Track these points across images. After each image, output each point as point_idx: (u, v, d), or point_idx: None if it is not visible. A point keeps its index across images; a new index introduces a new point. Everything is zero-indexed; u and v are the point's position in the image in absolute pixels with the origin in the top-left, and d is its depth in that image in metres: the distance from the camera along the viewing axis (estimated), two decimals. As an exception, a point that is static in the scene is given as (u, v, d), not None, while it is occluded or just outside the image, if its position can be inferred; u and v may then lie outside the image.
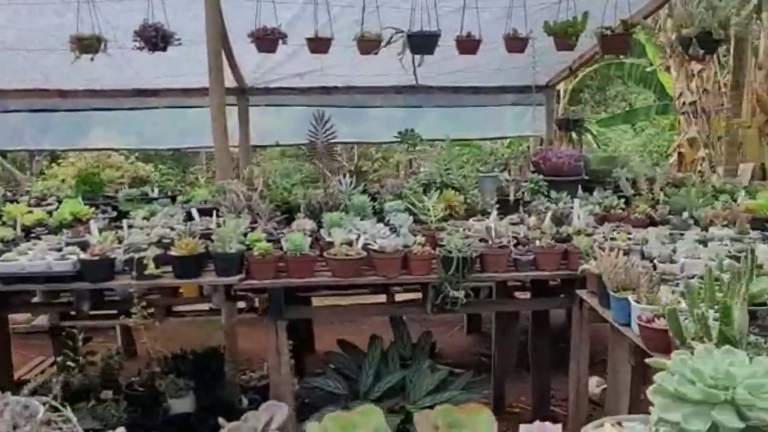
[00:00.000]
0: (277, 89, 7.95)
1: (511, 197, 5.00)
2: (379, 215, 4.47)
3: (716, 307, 2.57)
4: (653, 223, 4.49)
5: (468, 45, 5.28)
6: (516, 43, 5.38)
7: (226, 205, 4.01)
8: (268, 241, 3.77)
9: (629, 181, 5.01)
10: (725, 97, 8.52)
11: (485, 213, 4.59)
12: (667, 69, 9.44)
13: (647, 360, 1.64)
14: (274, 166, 5.08)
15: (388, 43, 4.46)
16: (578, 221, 4.24)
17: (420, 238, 3.85)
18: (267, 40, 5.08)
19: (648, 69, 10.12)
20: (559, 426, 1.71)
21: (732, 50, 6.59)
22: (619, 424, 1.82)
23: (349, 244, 3.76)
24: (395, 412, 3.95)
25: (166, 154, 12.97)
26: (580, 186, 5.19)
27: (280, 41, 5.13)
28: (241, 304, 5.18)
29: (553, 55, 6.02)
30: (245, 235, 3.74)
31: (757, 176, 8.55)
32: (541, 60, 6.40)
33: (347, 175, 4.61)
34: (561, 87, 13.09)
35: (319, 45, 5.14)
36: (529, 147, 10.10)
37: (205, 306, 5.71)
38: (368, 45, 4.96)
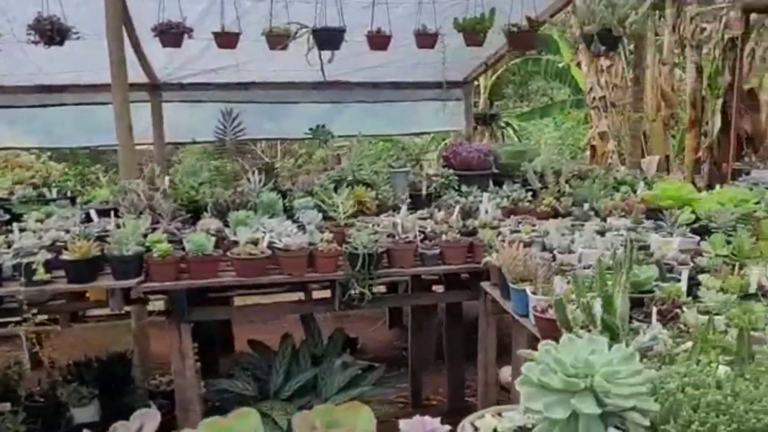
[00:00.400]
0: (192, 85, 7.74)
1: (423, 192, 5.05)
2: (290, 213, 4.43)
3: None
4: (558, 214, 4.61)
5: (378, 41, 5.29)
6: (426, 39, 5.43)
7: (126, 205, 3.86)
8: (171, 242, 3.66)
9: (537, 174, 5.13)
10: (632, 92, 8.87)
11: (396, 209, 4.60)
12: (578, 65, 9.76)
13: (518, 351, 1.67)
14: (188, 164, 4.93)
15: (294, 38, 4.39)
16: (485, 215, 4.31)
17: (327, 235, 3.82)
18: (171, 34, 4.94)
19: (560, 64, 10.43)
20: (438, 419, 1.71)
21: (633, 47, 6.83)
22: (500, 414, 1.85)
23: (255, 243, 3.70)
24: (306, 410, 3.91)
25: (83, 153, 12.46)
26: (491, 180, 5.30)
27: (186, 35, 5.00)
28: (159, 305, 5.03)
29: (471, 51, 6.11)
30: (145, 236, 3.61)
31: (662, 168, 8.98)
32: (458, 56, 6.49)
33: (256, 172, 4.52)
34: (482, 82, 13.36)
35: (226, 40, 5.04)
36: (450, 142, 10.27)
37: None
38: (277, 40, 4.89)
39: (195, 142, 8.86)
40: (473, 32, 5.39)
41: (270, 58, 5.83)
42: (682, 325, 2.57)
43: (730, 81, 7.60)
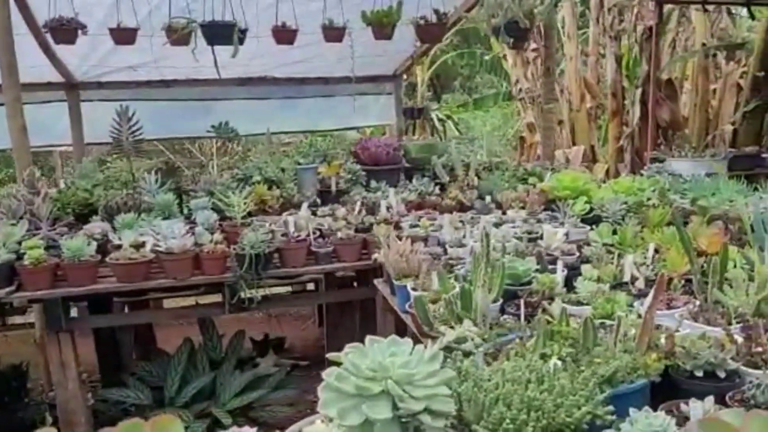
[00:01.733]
0: (111, 83, 7.51)
1: (333, 189, 4.98)
2: (189, 214, 4.30)
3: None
4: (463, 208, 4.60)
5: (284, 35, 5.19)
6: (333, 33, 5.35)
7: (2, 210, 3.68)
8: (50, 248, 3.51)
9: (446, 167, 5.11)
10: (556, 83, 8.96)
11: (299, 206, 4.52)
12: (504, 57, 9.82)
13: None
14: (83, 166, 4.74)
15: (183, 33, 4.26)
16: (385, 211, 4.27)
17: (218, 236, 3.72)
18: (63, 30, 4.74)
19: (486, 57, 10.49)
20: (255, 428, 1.64)
21: (543, 39, 6.89)
22: (331, 420, 1.78)
23: (140, 246, 3.57)
24: (203, 416, 3.81)
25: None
26: (401, 174, 5.26)
27: (80, 31, 4.81)
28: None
29: (402, 44, 6.08)
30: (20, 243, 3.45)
31: (588, 157, 9.11)
32: (389, 49, 6.47)
33: (153, 173, 4.38)
34: (419, 75, 13.34)
35: (122, 36, 4.86)
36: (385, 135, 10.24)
37: (27, 320, 5.34)
38: (176, 34, 4.74)
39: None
40: (381, 25, 5.34)
41: (191, 54, 5.68)
42: (549, 317, 2.57)
43: (647, 71, 7.72)
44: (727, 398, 1.84)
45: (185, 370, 3.95)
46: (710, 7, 8.27)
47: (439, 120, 13.74)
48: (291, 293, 5.70)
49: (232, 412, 3.72)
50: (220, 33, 4.22)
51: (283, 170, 4.85)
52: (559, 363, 1.87)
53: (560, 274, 2.94)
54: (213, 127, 5.13)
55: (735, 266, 2.70)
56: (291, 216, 3.90)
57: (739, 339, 2.11)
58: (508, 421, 1.55)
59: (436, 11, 5.38)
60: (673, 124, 8.16)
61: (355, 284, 4.86)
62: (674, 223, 2.78)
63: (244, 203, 3.99)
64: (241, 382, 3.87)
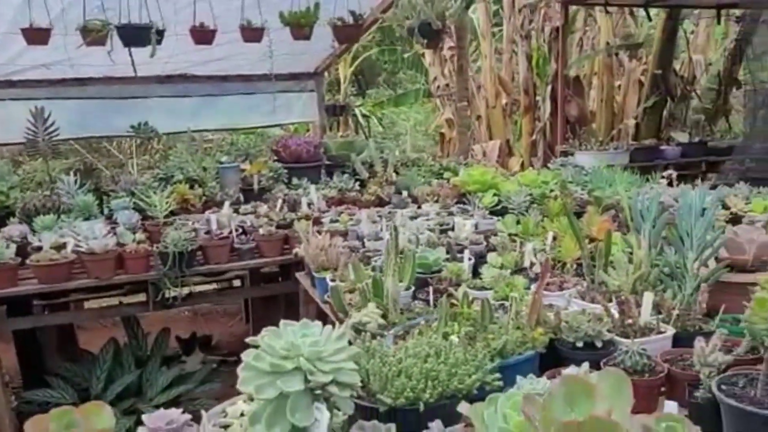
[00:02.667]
0: (23, 82, 7.30)
1: (255, 187, 5.09)
2: (111, 214, 4.33)
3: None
4: (382, 203, 4.81)
5: (202, 35, 5.25)
6: (252, 33, 5.46)
7: None
8: (-33, 251, 3.49)
9: (365, 164, 5.31)
10: (473, 81, 9.34)
11: (222, 204, 4.62)
12: (423, 55, 10.13)
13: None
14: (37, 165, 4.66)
15: (99, 35, 4.28)
16: (306, 207, 4.43)
17: (140, 236, 3.79)
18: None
19: (405, 55, 10.77)
20: (180, 411, 1.79)
21: (455, 39, 7.21)
22: (252, 399, 1.94)
23: (61, 247, 3.60)
24: (130, 413, 3.88)
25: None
26: (323, 171, 5.43)
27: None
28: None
29: (324, 42, 6.20)
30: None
31: (504, 152, 9.53)
32: (311, 47, 6.59)
33: (71, 174, 4.38)
34: (342, 72, 13.49)
35: (35, 36, 4.81)
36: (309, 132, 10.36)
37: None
38: (92, 36, 4.73)
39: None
40: (299, 26, 5.48)
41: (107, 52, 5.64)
42: (455, 301, 2.80)
43: (556, 69, 8.17)
44: (601, 364, 2.12)
45: (111, 369, 3.99)
46: (612, 9, 8.81)
47: (363, 116, 13.96)
48: (216, 290, 5.77)
49: (159, 407, 3.78)
50: (137, 35, 4.25)
51: (205, 169, 4.93)
52: (456, 340, 2.09)
53: (467, 263, 3.19)
54: (132, 126, 5.14)
55: (619, 250, 3.03)
56: (213, 214, 4.00)
57: (616, 314, 2.41)
58: (408, 390, 1.77)
59: (353, 12, 5.57)
60: (581, 119, 8.65)
61: (279, 279, 5.00)
62: (566, 213, 3.07)
63: (167, 202, 4.06)
64: (168, 378, 3.95)
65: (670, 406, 1.73)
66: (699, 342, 2.06)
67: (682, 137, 8.29)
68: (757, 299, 1.68)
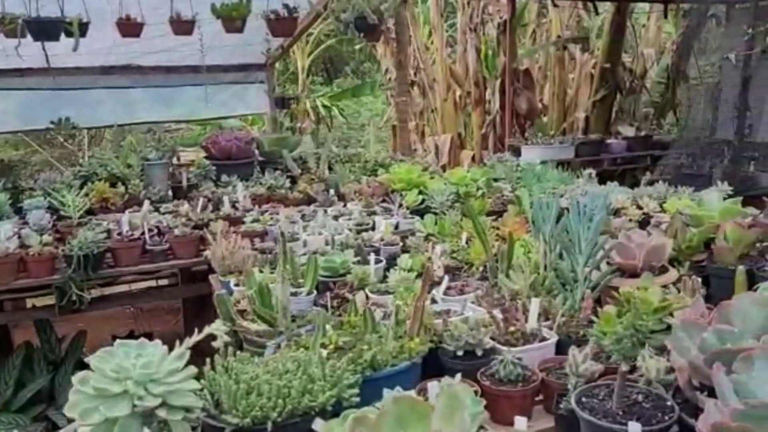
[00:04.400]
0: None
1: (184, 184, 4.98)
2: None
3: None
4: (312, 200, 4.73)
5: (128, 28, 5.11)
6: (182, 26, 5.33)
7: None
8: None
9: (297, 161, 5.22)
10: (423, 72, 9.29)
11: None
12: (374, 47, 10.04)
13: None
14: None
15: (9, 27, 4.12)
16: (229, 206, 4.33)
17: (48, 237, 3.66)
18: None
19: (357, 47, 10.67)
20: None
21: (394, 33, 7.13)
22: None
23: (-39, 251, 3.47)
24: (41, 419, 3.77)
25: None
26: (255, 168, 5.31)
27: None
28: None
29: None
30: None
31: (456, 145, 9.51)
32: (258, 38, 6.47)
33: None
34: (299, 63, 13.33)
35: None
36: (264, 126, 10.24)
37: None
38: (5, 28, 4.57)
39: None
40: (231, 19, 5.36)
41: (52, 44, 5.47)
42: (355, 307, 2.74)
43: (504, 62, 8.14)
44: (478, 375, 2.08)
45: (20, 374, 3.87)
46: (563, 2, 8.81)
47: (324, 107, 13.82)
48: (151, 288, 5.65)
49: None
50: (46, 28, 4.10)
51: (129, 166, 4.80)
52: (325, 352, 2.03)
53: (373, 266, 3.12)
54: (52, 122, 4.98)
55: (524, 253, 2.99)
56: (125, 215, 3.89)
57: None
58: (257, 408, 1.70)
59: (286, 5, 5.46)
60: (531, 113, 8.65)
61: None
62: (468, 214, 3.03)
63: (82, 202, 3.94)
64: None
65: (520, 422, 1.69)
66: (572, 350, 2.03)
67: (629, 131, 8.33)
68: (604, 315, 1.64)
